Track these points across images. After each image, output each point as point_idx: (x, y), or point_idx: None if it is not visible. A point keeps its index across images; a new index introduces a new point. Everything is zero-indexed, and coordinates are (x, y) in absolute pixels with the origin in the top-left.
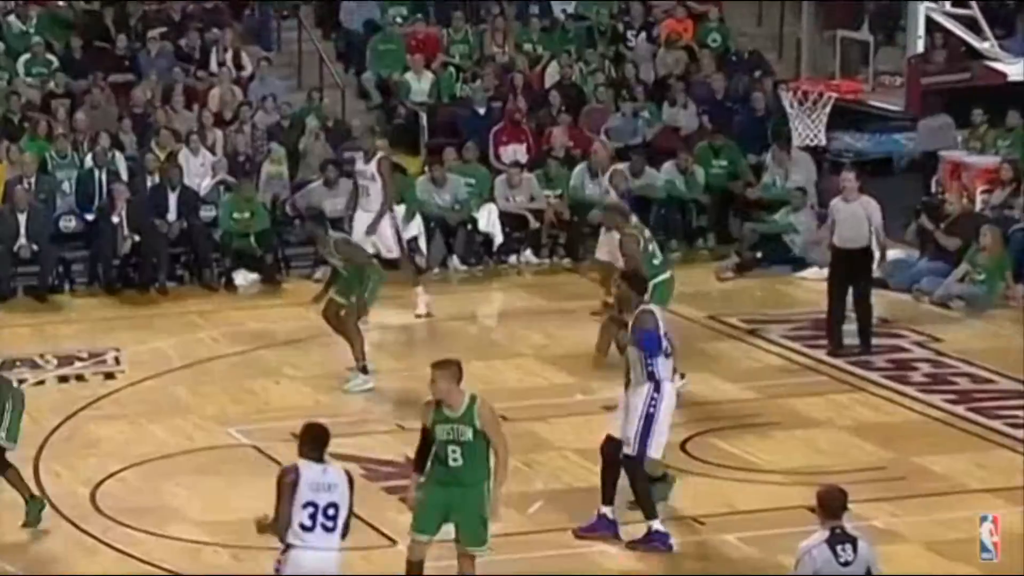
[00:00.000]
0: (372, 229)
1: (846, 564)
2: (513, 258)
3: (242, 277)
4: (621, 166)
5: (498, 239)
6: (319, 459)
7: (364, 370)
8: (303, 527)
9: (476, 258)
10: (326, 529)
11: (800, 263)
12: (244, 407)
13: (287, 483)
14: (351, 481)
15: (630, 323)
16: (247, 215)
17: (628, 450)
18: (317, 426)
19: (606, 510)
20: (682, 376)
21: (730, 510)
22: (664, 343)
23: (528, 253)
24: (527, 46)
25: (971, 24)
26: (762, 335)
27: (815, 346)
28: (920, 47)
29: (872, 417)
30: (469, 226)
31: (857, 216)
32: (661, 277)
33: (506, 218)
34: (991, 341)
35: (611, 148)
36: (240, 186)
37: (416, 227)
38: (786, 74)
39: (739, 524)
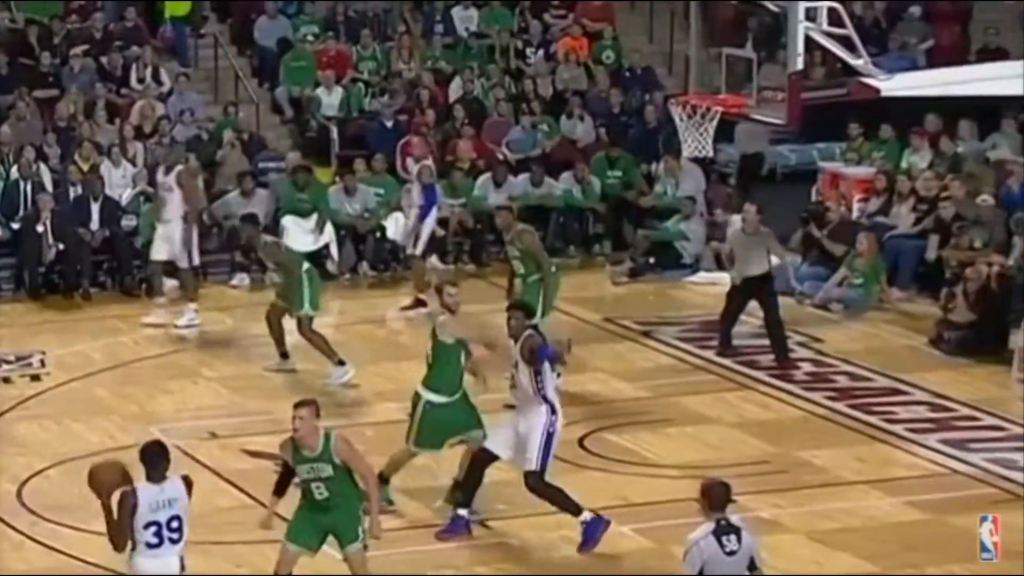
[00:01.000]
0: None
1: (731, 554)
2: None
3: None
4: (428, 162)
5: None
6: (159, 479)
7: (341, 363)
8: (149, 545)
9: (385, 264)
10: (172, 541)
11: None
12: (164, 407)
13: (127, 504)
14: (190, 485)
15: (519, 347)
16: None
17: (531, 466)
18: (153, 446)
19: (463, 512)
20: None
21: (625, 503)
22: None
23: (434, 259)
24: (432, 62)
25: (847, 43)
26: (655, 336)
27: (705, 347)
28: (800, 64)
29: (758, 414)
30: (378, 234)
31: (758, 247)
32: (552, 268)
33: None
34: (868, 341)
35: (512, 158)
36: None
37: (328, 234)
38: (676, 89)
39: (634, 516)
